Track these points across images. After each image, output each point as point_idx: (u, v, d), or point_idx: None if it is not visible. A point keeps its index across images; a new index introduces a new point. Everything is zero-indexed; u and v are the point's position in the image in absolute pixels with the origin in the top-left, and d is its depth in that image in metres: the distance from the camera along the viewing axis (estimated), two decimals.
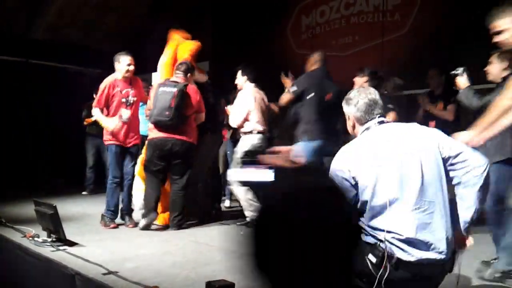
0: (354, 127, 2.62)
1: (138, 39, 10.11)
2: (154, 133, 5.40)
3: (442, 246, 2.29)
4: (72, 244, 4.40)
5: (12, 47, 9.19)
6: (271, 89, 6.25)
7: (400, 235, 2.26)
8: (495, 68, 4.03)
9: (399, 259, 2.26)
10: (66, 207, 6.43)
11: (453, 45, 6.65)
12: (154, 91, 5.40)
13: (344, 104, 2.64)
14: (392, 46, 7.25)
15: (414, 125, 2.52)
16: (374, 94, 2.57)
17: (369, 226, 2.35)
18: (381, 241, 2.29)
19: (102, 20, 9.94)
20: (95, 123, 8.45)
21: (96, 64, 10.28)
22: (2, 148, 8.78)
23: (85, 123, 8.46)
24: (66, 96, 9.38)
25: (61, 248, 4.23)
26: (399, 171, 2.33)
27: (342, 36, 8.10)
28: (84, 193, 8.56)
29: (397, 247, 2.27)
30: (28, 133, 9.17)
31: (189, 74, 5.59)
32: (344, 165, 2.41)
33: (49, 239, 4.39)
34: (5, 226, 5.10)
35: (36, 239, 4.42)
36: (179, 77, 5.51)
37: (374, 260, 2.29)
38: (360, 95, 2.56)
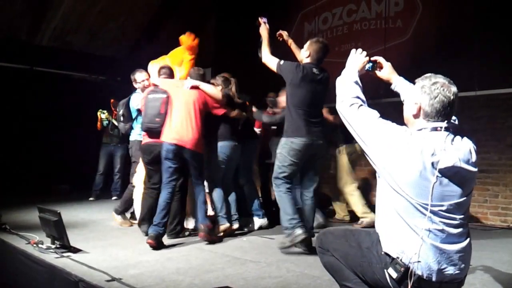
0: (415, 116, 2.32)
1: (141, 46, 10.16)
2: (144, 139, 5.37)
3: (464, 265, 2.24)
4: (76, 250, 4.40)
5: (16, 54, 9.24)
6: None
7: (428, 253, 2.18)
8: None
9: (420, 277, 2.18)
10: (71, 213, 6.46)
11: (454, 52, 6.67)
12: (144, 99, 5.33)
13: (418, 87, 2.33)
14: (395, 52, 7.27)
15: (472, 146, 2.31)
16: (455, 95, 2.27)
17: (395, 237, 2.26)
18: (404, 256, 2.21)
19: (105, 27, 9.99)
20: (111, 134, 8.59)
21: (100, 71, 10.35)
22: (6, 155, 8.82)
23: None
24: (70, 103, 9.44)
25: (65, 254, 4.23)
26: (445, 188, 2.19)
27: (345, 43, 8.13)
28: (90, 199, 8.62)
29: (421, 265, 2.18)
30: (32, 139, 9.20)
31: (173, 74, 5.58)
32: (393, 148, 2.24)
33: (53, 246, 4.40)
34: (9, 233, 5.11)
35: (40, 245, 4.43)
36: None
37: (394, 275, 2.21)
38: (444, 90, 2.25)
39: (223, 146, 5.60)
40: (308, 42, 4.86)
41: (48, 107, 9.35)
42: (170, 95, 5.20)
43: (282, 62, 4.76)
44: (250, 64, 8.31)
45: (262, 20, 5.12)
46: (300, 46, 5.09)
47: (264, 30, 5.05)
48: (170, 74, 5.53)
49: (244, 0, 9.55)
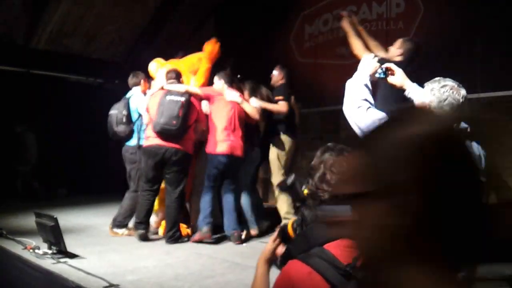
0: None
1: (138, 49, 10.12)
2: (149, 141, 5.31)
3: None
4: (73, 256, 4.34)
5: (13, 57, 9.18)
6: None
7: None
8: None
9: None
10: (68, 218, 6.37)
11: (457, 53, 6.62)
12: (159, 99, 5.26)
13: (427, 90, 2.33)
14: None
15: (482, 152, 2.29)
16: (464, 98, 2.27)
17: None
18: None
19: (102, 30, 9.94)
20: None
21: (97, 74, 10.31)
22: (3, 159, 8.76)
23: None
24: (66, 106, 9.38)
25: (61, 260, 4.18)
26: None
27: (346, 45, 8.05)
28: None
29: None
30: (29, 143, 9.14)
31: (181, 79, 5.60)
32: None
33: (50, 251, 4.34)
34: (5, 238, 5.05)
35: (36, 251, 4.37)
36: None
37: None
38: (453, 93, 2.25)
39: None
40: (400, 41, 4.61)
41: (45, 110, 9.29)
42: (213, 101, 5.49)
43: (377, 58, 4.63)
44: (249, 65, 8.29)
45: (345, 13, 4.96)
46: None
47: (346, 24, 4.85)
48: (176, 78, 5.51)
49: (244, 3, 9.49)
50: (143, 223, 5.31)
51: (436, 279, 0.68)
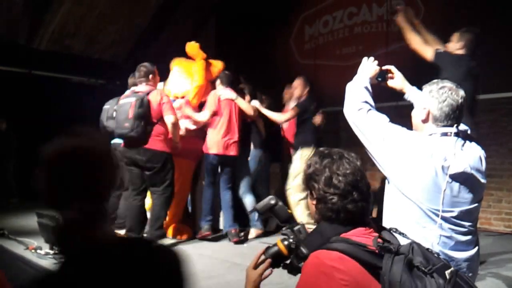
0: (424, 121, 2.30)
1: (140, 49, 10.13)
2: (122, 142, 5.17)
3: (471, 273, 2.23)
4: None
5: (15, 58, 9.19)
6: (274, 98, 6.28)
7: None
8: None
9: None
10: None
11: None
12: (117, 105, 5.16)
13: (425, 92, 2.31)
14: (396, 55, 7.21)
15: (482, 153, 2.29)
16: (463, 99, 2.25)
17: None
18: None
19: (104, 31, 9.95)
20: None
21: (98, 75, 10.31)
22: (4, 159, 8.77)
23: None
24: (68, 107, 9.38)
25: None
26: (455, 194, 2.17)
27: (346, 46, 8.08)
28: None
29: None
30: (30, 143, 9.12)
31: (150, 75, 5.22)
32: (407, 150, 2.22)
33: (52, 252, 4.34)
34: (7, 238, 5.06)
35: (38, 251, 4.39)
36: (142, 84, 5.19)
37: None
38: (452, 94, 2.23)
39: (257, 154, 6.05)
40: (456, 34, 4.36)
41: (47, 111, 9.29)
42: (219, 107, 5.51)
43: (439, 50, 4.27)
44: (250, 66, 8.31)
45: (400, 7, 4.63)
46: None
47: (401, 19, 4.49)
48: (145, 76, 5.20)
49: (245, 3, 9.50)
50: (134, 231, 4.98)
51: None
